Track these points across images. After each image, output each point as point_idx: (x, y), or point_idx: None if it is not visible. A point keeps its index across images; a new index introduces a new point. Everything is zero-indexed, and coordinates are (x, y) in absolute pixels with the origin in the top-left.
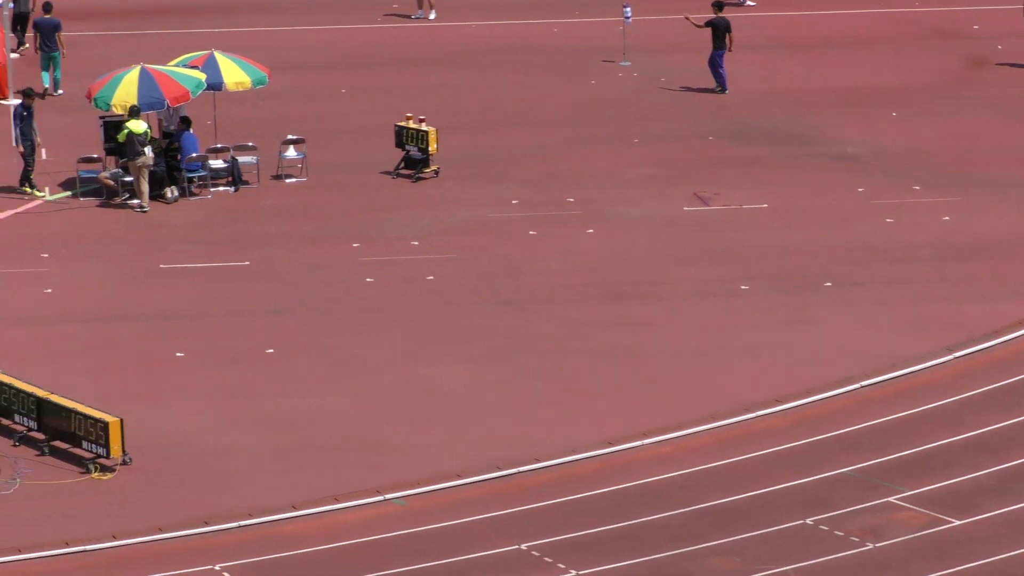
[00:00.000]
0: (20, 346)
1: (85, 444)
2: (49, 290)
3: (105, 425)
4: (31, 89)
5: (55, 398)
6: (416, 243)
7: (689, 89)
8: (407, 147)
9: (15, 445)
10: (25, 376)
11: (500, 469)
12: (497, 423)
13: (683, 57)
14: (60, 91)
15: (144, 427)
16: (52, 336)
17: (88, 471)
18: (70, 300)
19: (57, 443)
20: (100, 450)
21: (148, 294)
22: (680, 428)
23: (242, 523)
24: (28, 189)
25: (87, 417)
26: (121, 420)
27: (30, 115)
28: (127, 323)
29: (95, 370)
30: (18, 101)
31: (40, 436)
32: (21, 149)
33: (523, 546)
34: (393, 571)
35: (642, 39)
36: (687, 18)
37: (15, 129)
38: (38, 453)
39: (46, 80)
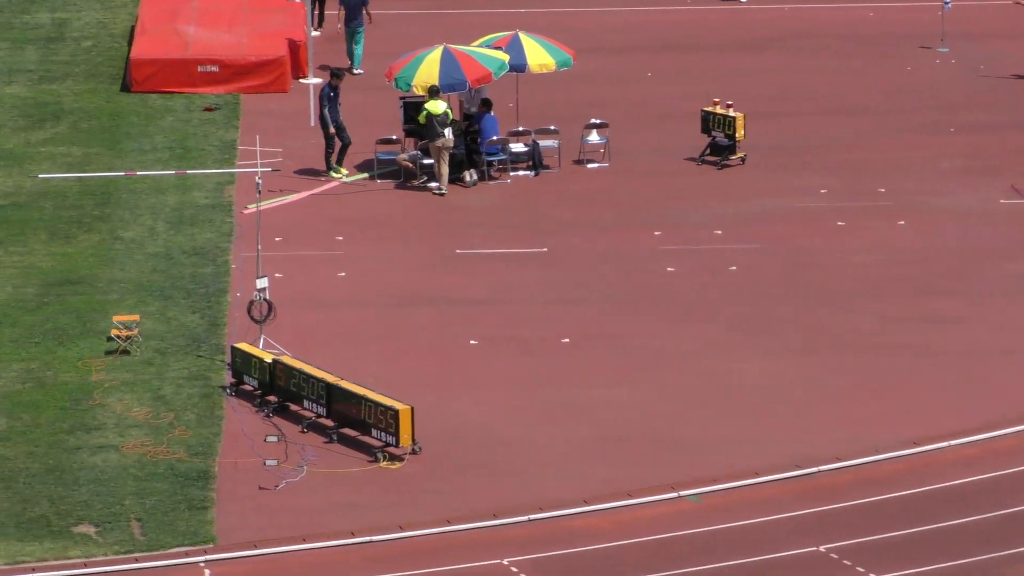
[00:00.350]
0: (311, 330)
1: (374, 432)
2: (343, 274)
3: (395, 413)
4: (340, 69)
5: (345, 384)
6: (719, 232)
7: (1012, 77)
8: (713, 133)
9: (303, 431)
10: (315, 361)
11: (799, 468)
12: (797, 420)
13: (1006, 44)
14: (359, 70)
15: (434, 416)
16: (344, 321)
17: (376, 460)
18: (363, 284)
19: (346, 430)
20: (389, 438)
21: (443, 279)
22: (988, 430)
23: (532, 517)
24: (340, 173)
25: (377, 404)
26: (411, 408)
27: (336, 96)
28: (420, 308)
29: (386, 356)
30: (319, 80)
31: (329, 423)
32: (332, 130)
33: (821, 548)
34: (686, 570)
35: (962, 24)
36: (1018, 3)
37: (323, 109)
38: (326, 440)
39: (356, 58)
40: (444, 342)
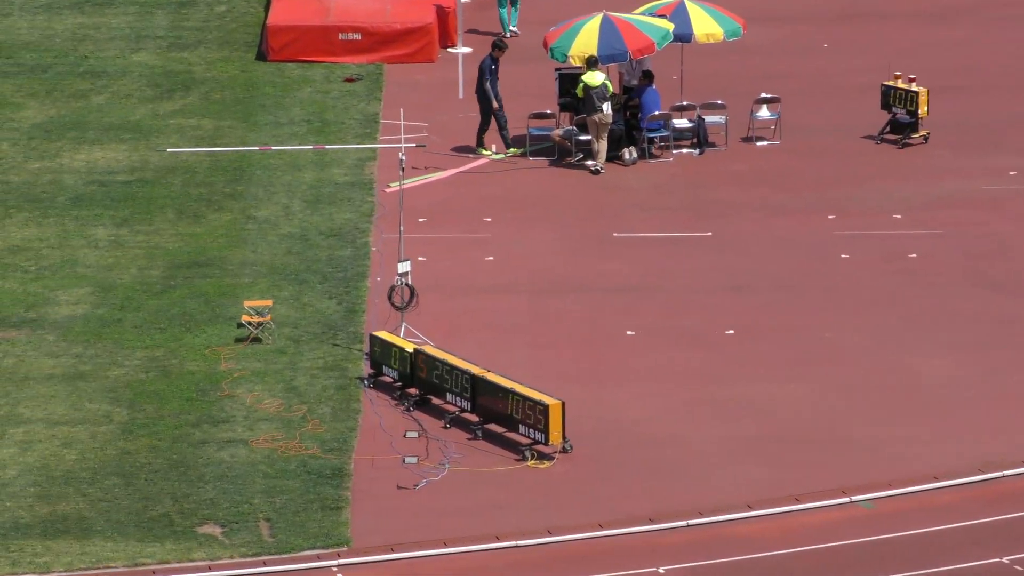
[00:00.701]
0: (456, 318)
1: (522, 428)
2: (490, 258)
3: (545, 408)
4: (503, 40)
5: (492, 376)
6: (898, 216)
7: None
8: (894, 109)
9: (446, 427)
10: (460, 351)
11: (983, 472)
12: (981, 421)
13: None
14: (513, 28)
15: (587, 412)
16: (491, 308)
17: (524, 458)
18: (512, 269)
19: (491, 426)
20: (538, 435)
21: (598, 265)
22: None
23: (690, 522)
24: (488, 151)
25: (526, 399)
26: (562, 403)
27: (497, 68)
28: (573, 296)
29: (536, 347)
30: (468, 50)
31: (473, 418)
32: (496, 104)
33: (1005, 559)
34: None
35: None
36: None
37: (484, 83)
38: (470, 437)
39: (511, 21)
40: (598, 332)
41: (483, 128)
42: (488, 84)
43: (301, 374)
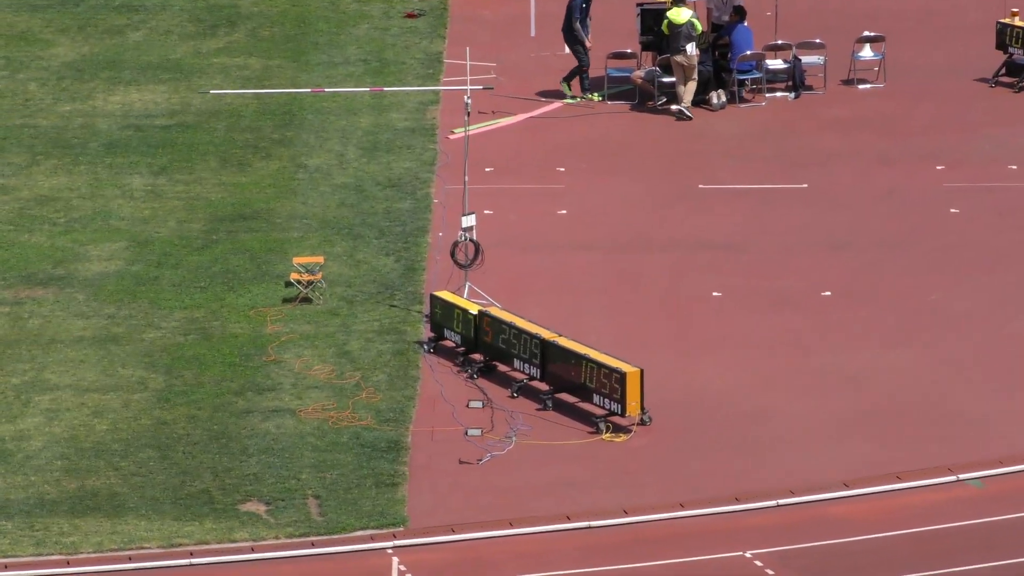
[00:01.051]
0: (525, 278)
1: (596, 398)
2: (564, 211)
3: (622, 376)
4: None
5: (563, 341)
6: (1014, 167)
7: None
8: (1010, 49)
9: (513, 396)
10: (529, 314)
11: None
12: None
13: None
14: None
15: (668, 381)
16: (563, 266)
17: (598, 431)
18: (587, 224)
19: (562, 396)
20: (614, 406)
21: (681, 219)
22: None
23: (780, 502)
24: (569, 93)
25: (601, 366)
26: (641, 371)
27: (588, 7)
28: (654, 254)
29: (613, 309)
30: None
31: (543, 387)
32: (589, 43)
33: None
34: (963, 568)
35: None
36: None
37: (574, 22)
38: (539, 407)
39: None
40: (682, 294)
41: (578, 70)
42: (577, 23)
43: (355, 338)
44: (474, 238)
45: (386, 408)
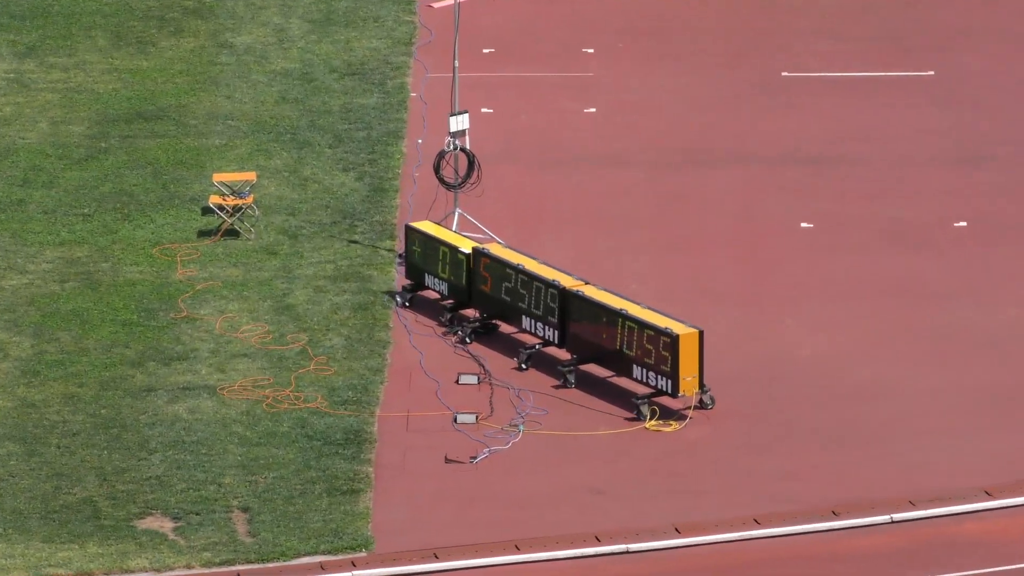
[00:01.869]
0: (539, 203)
1: (637, 371)
2: (592, 109)
3: (673, 340)
4: None
5: (591, 291)
6: None
7: None
8: None
9: (521, 368)
10: (544, 254)
11: None
12: None
13: None
14: None
15: (738, 346)
16: (591, 188)
17: (640, 417)
18: (625, 128)
19: (589, 367)
20: (662, 382)
21: (756, 122)
22: None
23: (895, 517)
24: None
25: (643, 325)
26: (700, 333)
27: None
28: (717, 171)
29: (660, 247)
30: None
31: (563, 355)
32: None
33: None
34: None
35: None
36: None
37: None
38: (557, 384)
39: None
40: (757, 226)
41: None
42: None
43: (299, 286)
44: (467, 147)
45: (344, 385)
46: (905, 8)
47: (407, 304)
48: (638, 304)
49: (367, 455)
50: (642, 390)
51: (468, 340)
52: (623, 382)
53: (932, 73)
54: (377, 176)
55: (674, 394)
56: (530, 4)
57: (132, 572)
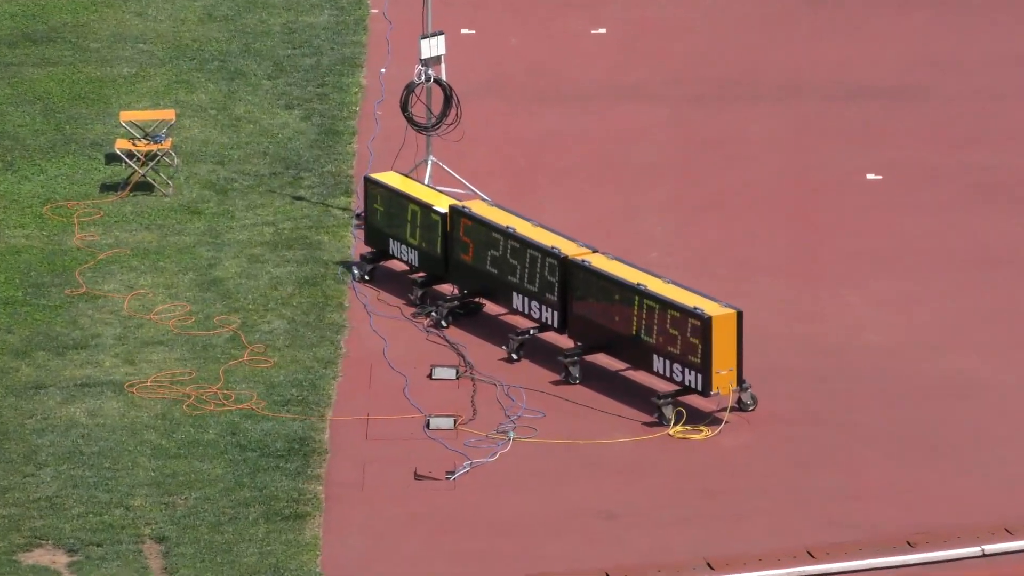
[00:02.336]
0: (533, 149)
1: (658, 363)
2: (601, 30)
3: (704, 323)
4: None
5: (599, 261)
6: None
7: None
8: None
9: (511, 359)
10: (540, 214)
11: None
12: None
13: None
14: None
15: (786, 331)
16: (600, 130)
17: (662, 421)
18: (643, 53)
19: (597, 358)
20: (689, 377)
21: (809, 42)
22: None
23: (987, 549)
24: None
25: (667, 305)
26: (738, 314)
27: None
28: (759, 106)
29: (686, 205)
30: None
31: (565, 341)
32: None
33: None
34: None
35: None
36: None
37: None
38: (557, 379)
39: None
40: (809, 176)
41: None
42: None
43: (230, 255)
44: (442, 79)
45: (286, 380)
46: None
47: (366, 278)
48: (660, 278)
49: (315, 470)
50: (665, 387)
51: (444, 324)
52: (640, 377)
53: None
54: (329, 115)
55: (705, 392)
56: None
57: None
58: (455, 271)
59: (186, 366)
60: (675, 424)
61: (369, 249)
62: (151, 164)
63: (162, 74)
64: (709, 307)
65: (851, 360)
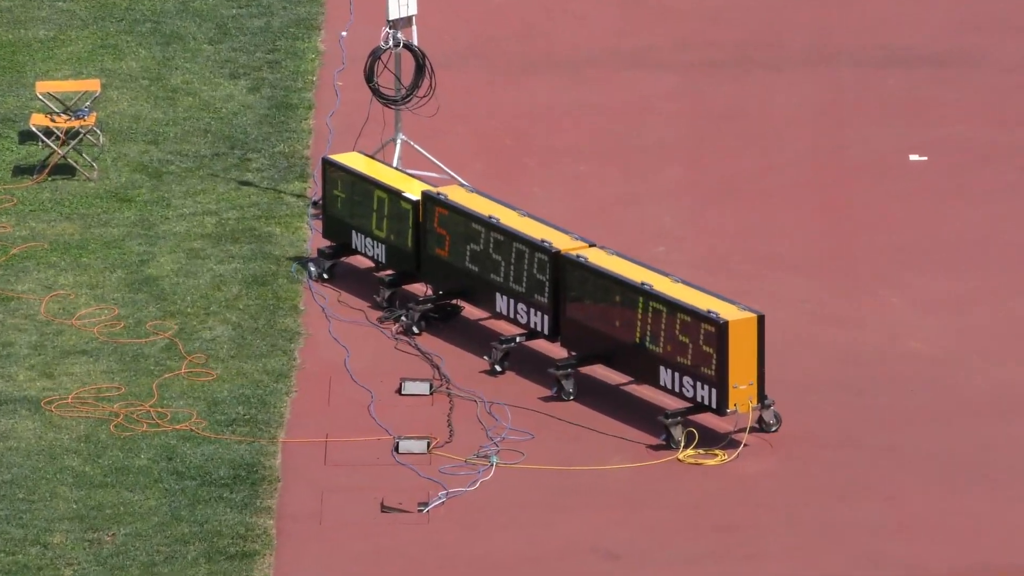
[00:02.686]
0: (520, 124)
1: (665, 375)
2: None
3: (719, 328)
4: None
5: (597, 257)
6: None
7: None
8: None
9: (494, 370)
10: (527, 202)
11: None
12: None
13: None
14: None
15: (818, 338)
16: (597, 102)
17: (670, 444)
18: (653, 15)
19: (593, 369)
20: (701, 391)
21: (847, 4)
22: None
23: None
24: None
25: (676, 307)
26: (759, 318)
27: None
28: (783, 72)
29: (698, 190)
30: None
31: (557, 350)
32: None
33: None
34: None
35: None
36: None
37: None
38: (548, 395)
39: None
40: (845, 157)
41: None
42: None
43: (166, 250)
44: (414, 44)
45: (231, 397)
46: None
47: (325, 276)
48: (668, 276)
49: (265, 501)
50: (673, 404)
51: (416, 330)
52: (645, 392)
53: None
54: (281, 86)
55: (721, 410)
56: None
57: None
58: (429, 268)
59: (114, 380)
60: (685, 447)
61: (328, 243)
62: (72, 143)
63: (85, 37)
64: (725, 310)
65: (892, 371)
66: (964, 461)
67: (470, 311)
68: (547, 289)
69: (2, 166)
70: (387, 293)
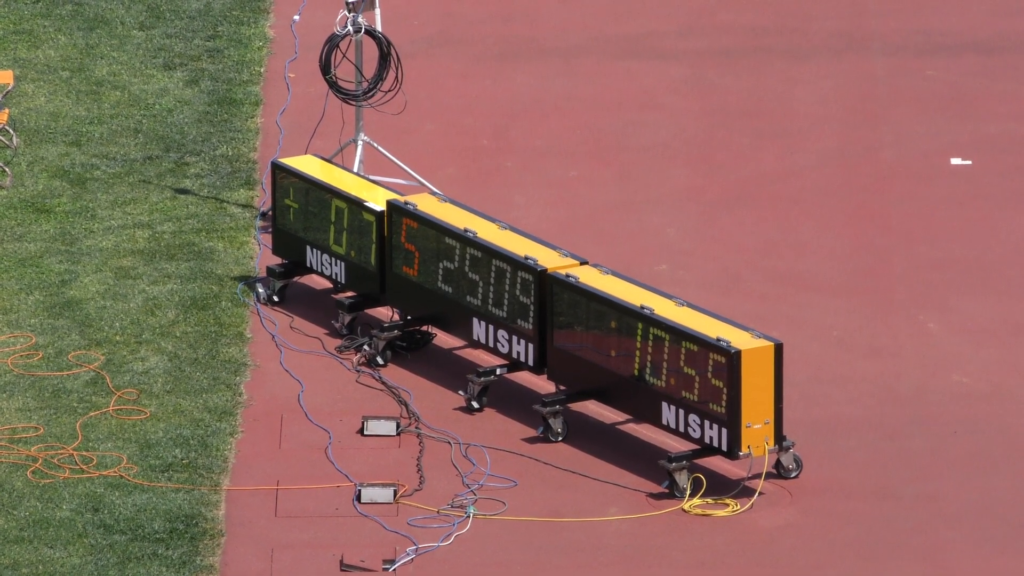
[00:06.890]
0: (499, 128)
1: (669, 412)
2: None
3: (730, 360)
4: None
5: (590, 276)
6: None
7: None
8: None
9: (471, 406)
10: (509, 214)
11: None
12: None
13: None
14: None
15: (849, 373)
16: (584, 96)
17: (674, 492)
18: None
19: (586, 406)
20: (709, 433)
21: None
22: None
23: None
24: None
25: (681, 335)
26: (777, 347)
27: None
28: (805, 64)
29: (708, 204)
30: None
31: (544, 384)
32: None
33: None
34: None
35: None
36: None
37: None
38: (535, 435)
39: None
40: (877, 160)
41: None
42: None
43: (91, 268)
44: (376, 29)
45: (167, 438)
46: None
47: (275, 299)
48: (671, 299)
49: (207, 558)
50: (678, 446)
51: (381, 361)
52: (645, 432)
53: None
54: (223, 78)
55: (732, 453)
56: None
57: None
58: (395, 290)
59: (31, 419)
60: (692, 496)
61: (279, 260)
62: None
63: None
64: (737, 338)
65: (932, 410)
66: (1015, 515)
67: (443, 339)
68: (532, 314)
69: None
70: (347, 318)
